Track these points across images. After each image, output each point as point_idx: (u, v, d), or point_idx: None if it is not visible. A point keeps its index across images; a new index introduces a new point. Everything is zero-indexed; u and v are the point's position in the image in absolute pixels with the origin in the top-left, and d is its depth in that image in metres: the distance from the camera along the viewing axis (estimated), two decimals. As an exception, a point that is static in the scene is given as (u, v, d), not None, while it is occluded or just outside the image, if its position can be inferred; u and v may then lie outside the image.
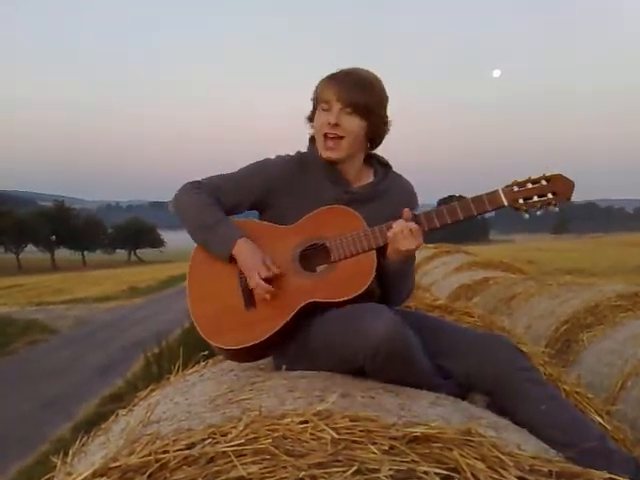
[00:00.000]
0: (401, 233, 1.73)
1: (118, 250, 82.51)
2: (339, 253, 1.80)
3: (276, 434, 1.10)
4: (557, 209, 1.77)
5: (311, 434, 1.10)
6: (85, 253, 75.93)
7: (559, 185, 1.76)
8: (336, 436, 1.09)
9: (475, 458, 1.06)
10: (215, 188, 1.91)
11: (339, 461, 1.01)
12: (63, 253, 75.43)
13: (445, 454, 1.06)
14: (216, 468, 1.02)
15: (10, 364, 12.45)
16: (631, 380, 3.18)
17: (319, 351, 1.72)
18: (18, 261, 64.73)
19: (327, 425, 1.12)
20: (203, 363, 2.23)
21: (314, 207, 1.87)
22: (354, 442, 1.08)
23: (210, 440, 1.11)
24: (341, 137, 1.85)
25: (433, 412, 1.40)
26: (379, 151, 2.03)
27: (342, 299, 1.73)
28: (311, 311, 1.77)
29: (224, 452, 1.05)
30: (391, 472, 0.99)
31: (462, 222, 1.80)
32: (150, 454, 1.07)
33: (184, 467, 1.04)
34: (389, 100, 1.94)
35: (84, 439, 1.70)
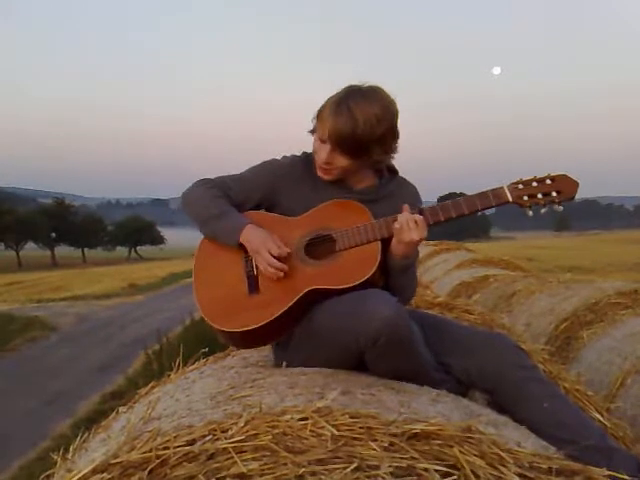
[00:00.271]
0: (406, 224, 1.74)
1: (118, 247, 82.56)
2: (344, 243, 1.82)
3: (276, 431, 1.10)
4: (561, 208, 1.80)
5: (311, 431, 1.10)
6: (85, 250, 75.96)
7: (563, 184, 1.79)
8: (336, 433, 1.09)
9: (475, 455, 1.06)
10: (223, 185, 1.95)
11: (339, 458, 1.02)
12: (63, 250, 75.48)
13: (445, 451, 1.07)
14: (216, 464, 1.02)
15: (10, 361, 12.46)
16: (631, 377, 3.18)
17: (320, 337, 1.73)
18: (18, 258, 64.75)
19: (327, 422, 1.12)
20: (203, 360, 2.24)
21: (317, 206, 1.90)
22: (354, 439, 1.08)
23: (210, 437, 1.12)
24: (332, 169, 1.88)
25: (433, 409, 1.40)
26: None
27: (345, 286, 1.74)
28: (314, 299, 1.78)
29: (224, 449, 1.06)
30: (391, 469, 0.99)
31: (466, 217, 1.82)
32: (151, 450, 1.08)
33: (184, 463, 1.04)
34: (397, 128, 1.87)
35: (85, 436, 1.70)
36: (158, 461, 1.05)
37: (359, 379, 1.60)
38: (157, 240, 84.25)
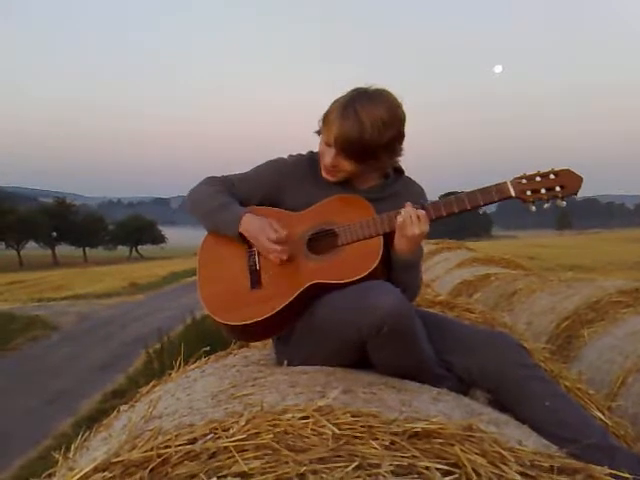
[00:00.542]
0: (408, 218, 1.74)
1: (119, 246, 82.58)
2: (346, 237, 1.83)
3: (277, 429, 1.10)
4: (564, 203, 1.79)
5: (312, 429, 1.10)
6: (86, 249, 75.99)
7: (567, 179, 1.77)
8: (337, 431, 1.09)
9: (476, 453, 1.06)
10: (227, 182, 1.98)
11: (340, 456, 1.02)
12: (64, 249, 75.52)
13: (446, 449, 1.07)
14: (218, 463, 1.02)
15: (12, 360, 12.47)
16: (632, 376, 3.18)
17: (322, 328, 1.73)
18: (19, 257, 64.80)
19: (328, 420, 1.12)
20: (204, 359, 2.24)
21: None
22: (355, 437, 1.08)
23: (212, 435, 1.12)
24: (337, 172, 1.88)
25: (434, 408, 1.40)
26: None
27: (346, 280, 1.74)
28: (316, 293, 1.78)
29: (226, 447, 1.06)
30: (392, 467, 0.99)
31: (469, 211, 1.81)
32: (152, 449, 1.08)
33: (186, 462, 1.04)
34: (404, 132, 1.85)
35: (86, 434, 1.70)
36: (159, 460, 1.05)
37: (360, 378, 1.59)
38: (158, 239, 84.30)
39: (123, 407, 1.96)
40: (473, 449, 1.07)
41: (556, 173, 1.78)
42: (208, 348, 2.36)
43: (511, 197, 1.78)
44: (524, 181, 1.78)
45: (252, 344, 2.34)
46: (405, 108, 1.85)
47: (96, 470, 1.06)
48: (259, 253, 1.89)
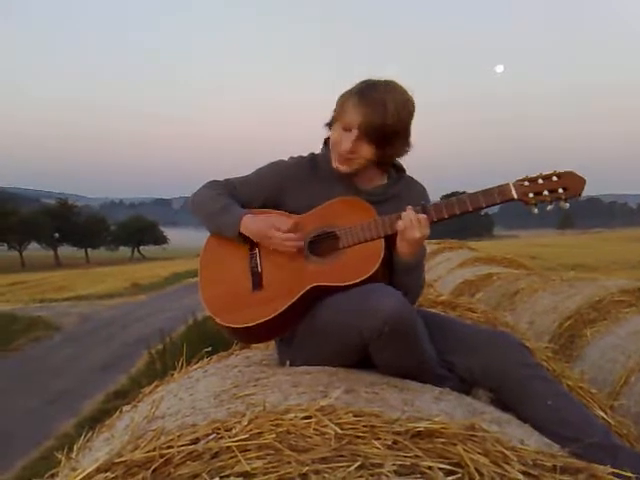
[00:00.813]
0: (409, 222, 1.74)
1: (121, 247, 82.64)
2: (347, 240, 1.83)
3: (280, 429, 1.10)
4: (567, 205, 1.78)
5: (315, 429, 1.10)
6: (88, 250, 76.06)
7: (570, 181, 1.76)
8: (340, 431, 1.09)
9: (479, 453, 1.06)
10: (229, 185, 1.99)
11: (343, 456, 1.02)
12: (66, 250, 75.61)
13: (449, 449, 1.07)
14: (220, 463, 1.02)
15: (14, 361, 12.50)
16: (634, 375, 3.18)
17: (323, 331, 1.73)
18: (21, 258, 64.89)
19: (331, 420, 1.12)
20: (207, 359, 2.24)
21: None
22: (358, 437, 1.08)
23: (214, 435, 1.12)
24: (353, 159, 1.87)
25: (437, 407, 1.40)
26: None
27: (347, 283, 1.74)
28: (317, 296, 1.78)
29: (228, 447, 1.06)
30: (395, 467, 0.99)
31: (471, 214, 1.81)
32: (154, 449, 1.08)
33: (188, 462, 1.04)
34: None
35: (88, 435, 1.71)
36: (162, 460, 1.05)
37: (362, 377, 1.59)
38: (160, 240, 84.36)
39: (125, 407, 1.96)
40: (475, 448, 1.07)
41: (559, 175, 1.77)
42: (210, 348, 2.36)
43: (513, 199, 1.77)
44: (526, 183, 1.77)
45: (254, 345, 2.34)
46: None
47: (99, 470, 1.06)
48: (261, 255, 1.89)
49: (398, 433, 1.10)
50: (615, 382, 3.23)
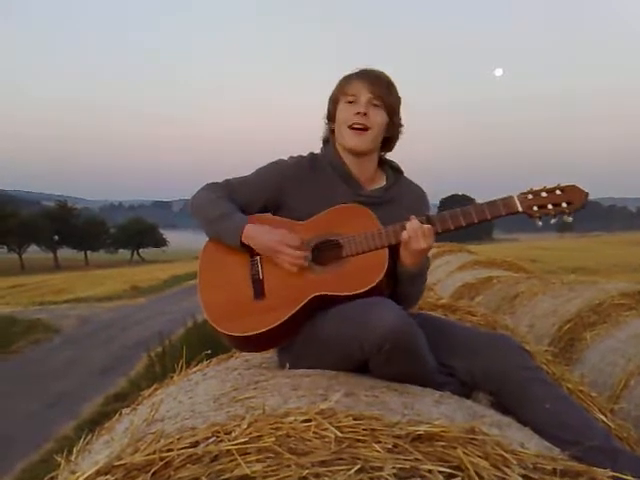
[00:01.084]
0: (414, 233, 1.74)
1: (121, 250, 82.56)
2: (351, 249, 1.81)
3: (280, 432, 1.10)
4: (571, 219, 1.80)
5: (315, 433, 1.10)
6: (88, 253, 75.99)
7: (573, 195, 1.78)
8: (340, 435, 1.09)
9: (479, 456, 1.06)
10: (228, 187, 1.96)
11: (343, 459, 1.02)
12: (66, 253, 75.56)
13: (449, 452, 1.07)
14: (220, 466, 1.02)
15: (13, 363, 12.47)
16: (634, 379, 3.17)
17: (324, 343, 1.72)
18: (21, 261, 64.83)
19: (331, 424, 1.12)
20: (206, 362, 2.24)
21: (325, 208, 1.89)
22: (358, 440, 1.08)
23: (214, 439, 1.12)
24: (367, 129, 1.88)
25: (437, 410, 1.40)
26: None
27: (351, 293, 1.73)
28: (320, 305, 1.77)
29: (228, 450, 1.06)
30: (394, 470, 0.99)
31: (475, 225, 1.81)
32: (154, 452, 1.08)
33: (188, 465, 1.04)
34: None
35: (88, 438, 1.70)
36: (162, 463, 1.05)
37: (362, 381, 1.59)
38: (159, 242, 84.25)
39: (125, 410, 1.96)
40: (475, 452, 1.07)
41: (562, 189, 1.79)
42: (210, 351, 2.35)
43: (518, 212, 1.78)
44: (530, 196, 1.78)
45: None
46: (405, 108, 1.98)
47: (98, 473, 1.06)
48: (262, 262, 1.86)
49: (398, 436, 1.10)
50: (615, 385, 3.23)
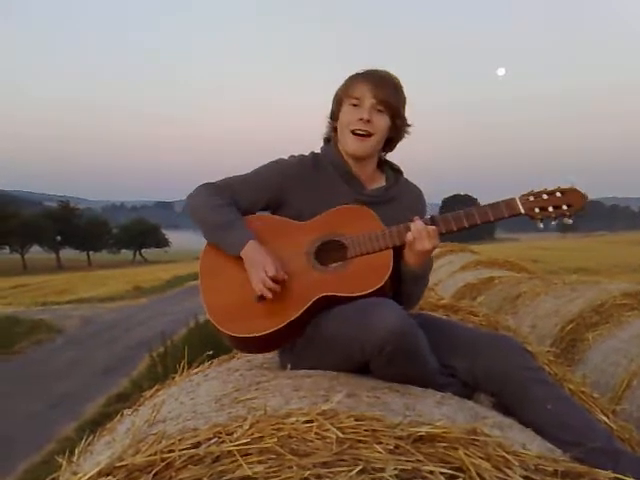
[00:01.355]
0: (418, 234, 1.74)
1: (123, 250, 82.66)
2: (355, 250, 1.81)
3: (281, 433, 1.10)
4: (571, 221, 1.82)
5: (316, 433, 1.10)
6: (90, 253, 76.12)
7: (572, 198, 1.80)
8: (341, 435, 1.09)
9: (480, 457, 1.06)
10: (229, 189, 1.93)
11: (344, 460, 1.02)
12: (68, 253, 75.69)
13: (450, 453, 1.06)
14: (221, 467, 1.02)
15: (16, 364, 12.49)
16: (637, 379, 3.17)
17: (326, 344, 1.72)
18: (23, 261, 64.97)
19: (332, 424, 1.12)
20: (208, 363, 2.24)
21: (327, 207, 1.88)
22: (359, 441, 1.08)
23: (215, 439, 1.12)
24: (370, 135, 1.88)
25: (438, 411, 1.40)
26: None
27: (356, 294, 1.72)
28: (324, 306, 1.76)
29: (229, 451, 1.06)
30: (396, 471, 0.99)
31: (478, 227, 1.83)
32: (156, 453, 1.08)
33: (190, 466, 1.04)
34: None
35: (90, 438, 1.70)
36: (163, 464, 1.05)
37: (364, 382, 1.59)
38: (162, 243, 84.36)
39: (127, 411, 1.96)
40: (477, 453, 1.07)
41: (562, 191, 1.81)
42: (211, 352, 2.35)
43: (520, 214, 1.80)
44: (532, 198, 1.80)
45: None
46: (406, 108, 1.97)
47: (100, 474, 1.06)
48: None
49: (400, 437, 1.10)
50: (617, 386, 3.22)
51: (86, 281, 36.59)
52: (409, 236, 1.75)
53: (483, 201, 1.88)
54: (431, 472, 1.00)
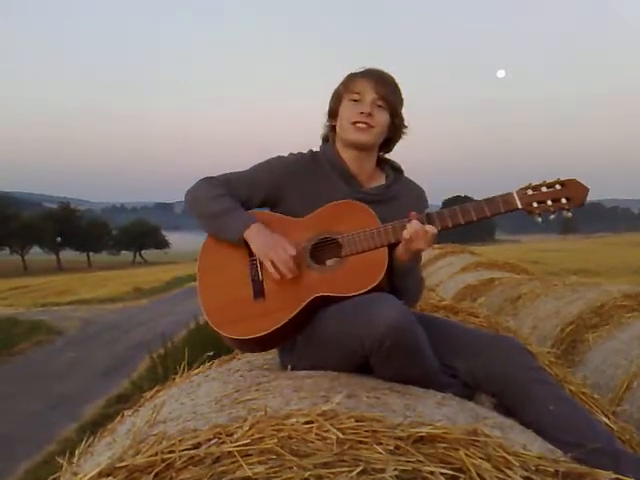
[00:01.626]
0: (415, 234, 1.73)
1: (123, 251, 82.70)
2: (350, 248, 1.80)
3: (282, 434, 1.10)
4: (570, 214, 1.77)
5: (316, 434, 1.10)
6: (90, 254, 76.17)
7: (573, 190, 1.76)
8: (341, 436, 1.09)
9: (481, 458, 1.06)
10: (227, 183, 1.93)
11: (344, 461, 1.02)
12: (68, 254, 75.71)
13: (451, 454, 1.06)
14: (222, 468, 1.02)
15: (16, 365, 12.48)
16: (637, 380, 3.16)
17: (326, 342, 1.72)
18: (24, 262, 65.01)
19: (332, 425, 1.12)
20: (208, 364, 2.24)
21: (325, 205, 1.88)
22: (359, 442, 1.08)
23: (216, 440, 1.12)
24: (371, 127, 1.89)
25: (439, 412, 1.40)
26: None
27: (351, 294, 1.72)
28: (320, 305, 1.76)
29: (230, 452, 1.06)
30: (396, 472, 0.99)
31: (475, 223, 1.80)
32: (156, 454, 1.08)
33: (190, 467, 1.04)
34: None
35: (90, 439, 1.70)
36: (163, 465, 1.05)
37: (364, 382, 1.59)
38: (162, 244, 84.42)
39: (127, 412, 1.96)
40: (478, 453, 1.07)
41: (562, 183, 1.76)
42: (212, 353, 2.35)
43: (517, 209, 1.77)
44: (530, 192, 1.76)
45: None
46: (405, 109, 1.99)
47: (100, 475, 1.06)
48: (261, 263, 1.83)
49: (400, 438, 1.10)
50: (617, 387, 3.22)
51: (86, 282, 36.60)
52: (405, 235, 1.75)
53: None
54: (431, 473, 1.00)
